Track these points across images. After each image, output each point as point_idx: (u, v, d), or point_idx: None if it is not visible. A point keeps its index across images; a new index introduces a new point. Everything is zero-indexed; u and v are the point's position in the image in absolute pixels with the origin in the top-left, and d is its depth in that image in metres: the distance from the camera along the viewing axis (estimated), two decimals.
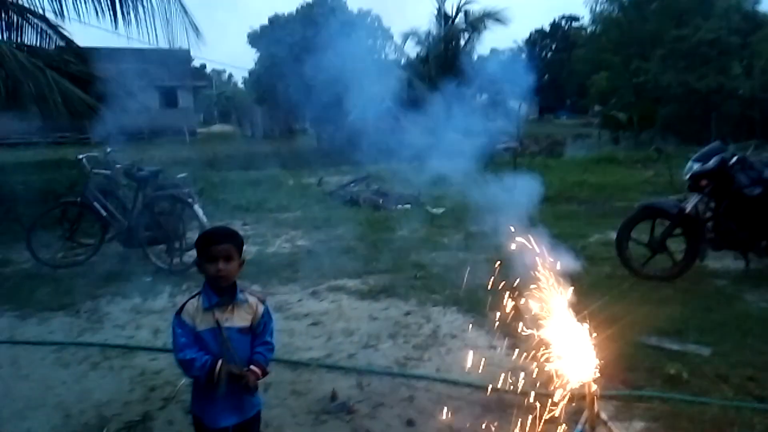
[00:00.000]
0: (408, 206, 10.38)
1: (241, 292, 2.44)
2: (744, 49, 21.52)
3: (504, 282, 3.55)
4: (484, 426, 3.24)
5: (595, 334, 3.09)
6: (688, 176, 5.92)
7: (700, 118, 21.10)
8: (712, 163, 5.70)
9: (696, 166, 5.81)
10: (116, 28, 8.67)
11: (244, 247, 2.51)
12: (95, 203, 6.82)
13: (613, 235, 6.27)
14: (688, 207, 5.74)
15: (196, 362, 2.31)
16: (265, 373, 2.44)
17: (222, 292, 2.38)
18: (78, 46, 10.62)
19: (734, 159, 5.72)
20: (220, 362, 2.31)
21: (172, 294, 5.69)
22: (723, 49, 21.34)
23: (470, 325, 4.77)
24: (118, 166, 7.16)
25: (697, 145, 6.40)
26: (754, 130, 19.36)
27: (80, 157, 7.05)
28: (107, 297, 5.63)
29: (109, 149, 7.32)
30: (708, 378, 3.69)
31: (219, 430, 2.41)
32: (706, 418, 3.21)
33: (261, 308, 2.48)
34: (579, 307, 3.16)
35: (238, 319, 2.41)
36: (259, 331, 2.47)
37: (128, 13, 8.47)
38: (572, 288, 3.22)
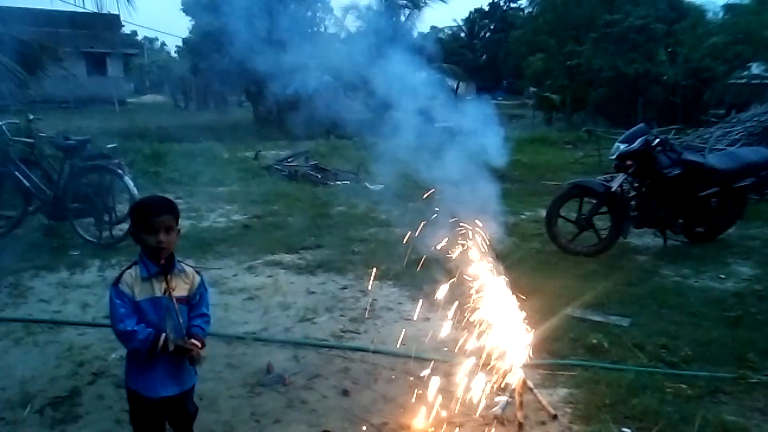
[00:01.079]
0: (347, 182, 10.39)
1: (178, 262, 2.41)
2: (669, 36, 22.47)
3: (438, 257, 3.64)
4: (416, 395, 3.35)
5: (523, 307, 3.22)
6: (614, 156, 6.19)
7: (628, 101, 21.96)
8: (636, 144, 5.98)
9: (622, 147, 6.08)
10: None
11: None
12: (16, 173, 6.47)
13: (543, 213, 6.51)
14: (614, 186, 6.02)
15: (138, 334, 2.27)
16: (203, 345, 2.43)
17: (161, 262, 2.35)
18: None
19: (657, 141, 6.02)
20: (164, 335, 2.28)
21: (101, 268, 5.52)
22: (650, 35, 22.19)
23: (406, 299, 4.88)
24: (42, 134, 6.81)
25: (625, 128, 6.68)
26: (677, 115, 20.36)
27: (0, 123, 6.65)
28: (31, 271, 5.40)
29: (31, 116, 6.93)
30: (626, 347, 3.93)
31: (158, 400, 2.39)
32: (622, 383, 3.42)
33: (197, 279, 2.46)
34: (509, 280, 3.28)
35: (177, 289, 2.38)
36: (195, 301, 2.45)
37: None
38: (503, 262, 3.34)
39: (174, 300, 2.35)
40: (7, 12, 10.80)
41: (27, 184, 6.50)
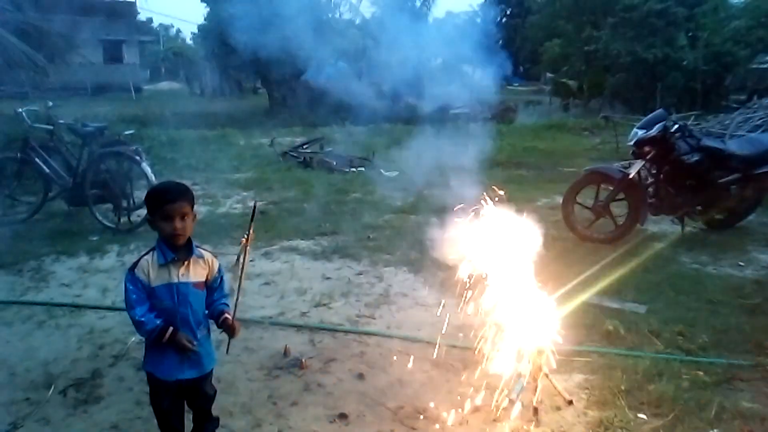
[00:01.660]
0: (362, 169, 10.38)
1: (196, 248, 2.45)
2: (689, 21, 22.06)
3: (455, 243, 3.64)
4: (431, 379, 3.37)
5: (540, 293, 3.22)
6: (632, 143, 6.12)
7: (646, 87, 21.65)
8: (654, 130, 5.90)
9: (640, 133, 6.01)
10: None
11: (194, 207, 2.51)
12: (36, 159, 6.57)
13: (560, 200, 6.47)
14: (632, 173, 5.96)
15: (146, 325, 2.32)
16: (232, 320, 2.50)
17: (178, 248, 2.38)
18: None
19: (675, 127, 5.95)
20: (170, 330, 2.32)
21: (120, 253, 5.59)
22: (670, 20, 21.79)
23: (421, 285, 4.89)
24: (61, 121, 6.89)
25: (643, 114, 6.61)
26: (697, 101, 20.05)
27: (19, 110, 6.73)
28: (52, 256, 5.49)
29: (50, 103, 7.01)
30: (642, 333, 3.91)
31: (175, 383, 2.43)
32: (638, 369, 3.41)
33: (216, 264, 2.50)
34: (525, 267, 3.27)
35: (194, 274, 2.42)
36: (216, 285, 2.50)
37: None
38: (521, 248, 3.33)
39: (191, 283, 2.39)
40: (27, 0, 10.89)
41: (47, 170, 6.60)
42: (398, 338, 3.90)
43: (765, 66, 22.00)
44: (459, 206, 3.44)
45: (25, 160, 6.60)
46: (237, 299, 2.54)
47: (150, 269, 2.35)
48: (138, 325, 2.35)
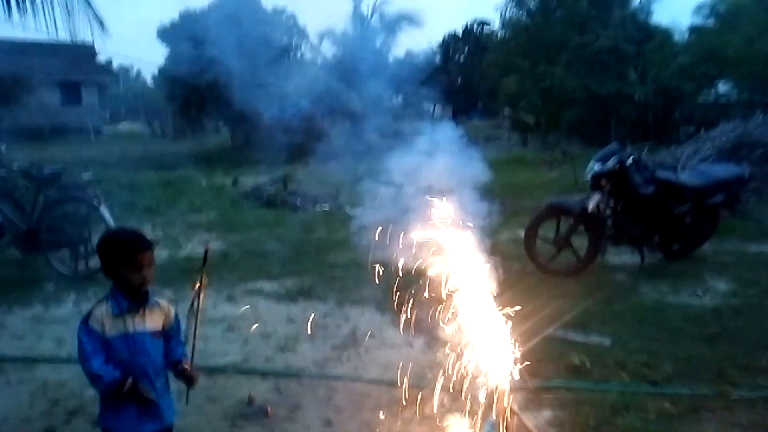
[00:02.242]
0: (326, 207, 10.36)
1: (151, 296, 2.38)
2: (638, 57, 23.00)
3: (419, 281, 3.63)
4: (401, 422, 3.31)
5: (506, 328, 3.22)
6: (589, 176, 6.28)
7: (601, 121, 22.36)
8: (610, 163, 6.07)
9: (597, 167, 6.17)
10: (9, 16, 8.11)
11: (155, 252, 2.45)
12: None
13: (522, 233, 6.55)
14: (590, 205, 6.09)
15: (104, 378, 2.23)
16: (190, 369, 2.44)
17: (134, 297, 2.31)
18: None
19: (630, 159, 6.13)
20: (129, 381, 2.24)
21: (77, 302, 5.41)
22: (620, 56, 22.69)
23: (388, 325, 4.85)
24: (15, 165, 6.71)
25: (599, 147, 6.79)
26: (649, 134, 20.76)
27: None
28: (4, 306, 5.27)
29: (3, 146, 6.83)
30: (608, 366, 3.95)
31: None
32: (606, 403, 3.43)
33: (172, 311, 2.44)
34: (491, 302, 3.28)
35: (150, 323, 2.35)
36: (173, 334, 2.43)
37: (23, 1, 7.92)
38: (484, 283, 3.34)
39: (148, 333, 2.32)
40: None
41: (0, 215, 6.38)
42: (366, 381, 3.84)
43: (710, 101, 23.04)
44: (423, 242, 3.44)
45: None
46: (193, 346, 2.47)
47: (104, 319, 2.27)
48: (94, 379, 2.25)
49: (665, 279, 5.90)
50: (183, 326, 2.52)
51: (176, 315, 2.46)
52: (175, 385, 2.54)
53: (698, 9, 22.56)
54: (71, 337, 4.47)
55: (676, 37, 24.43)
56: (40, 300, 5.42)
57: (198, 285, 2.47)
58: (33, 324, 4.91)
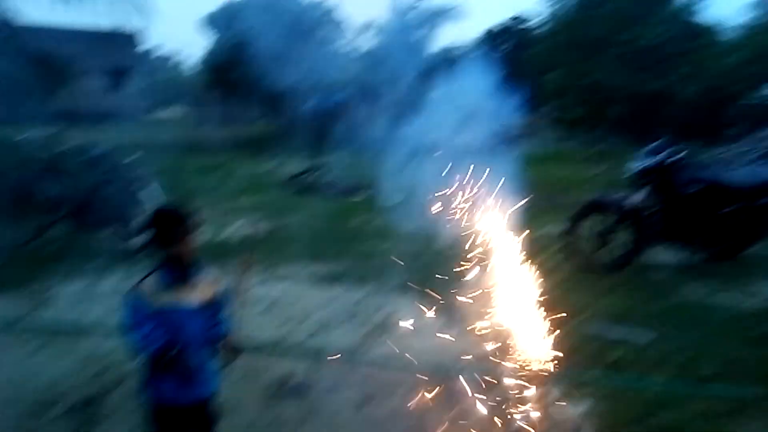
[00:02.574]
0: (363, 195, 10.42)
1: (200, 270, 2.45)
2: (688, 53, 22.37)
3: (456, 270, 3.63)
4: (434, 408, 3.33)
5: (545, 321, 3.21)
6: (634, 172, 6.16)
7: (647, 118, 21.85)
8: (656, 160, 5.95)
9: (642, 163, 6.05)
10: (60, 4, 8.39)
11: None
12: (43, 183, 6.59)
13: (562, 229, 6.48)
14: (633, 202, 5.98)
15: (147, 347, 2.30)
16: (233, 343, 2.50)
17: (183, 270, 2.38)
18: (22, 23, 10.20)
19: (676, 157, 5.99)
20: (170, 352, 2.30)
21: (124, 276, 5.56)
22: (669, 52, 22.11)
23: (423, 312, 4.85)
24: (67, 145, 6.95)
25: (643, 145, 6.66)
26: (696, 132, 20.20)
27: (27, 135, 6.79)
28: (55, 279, 5.48)
29: (57, 129, 7.08)
30: (648, 363, 3.89)
31: (177, 407, 2.40)
32: (644, 399, 3.39)
33: (219, 286, 2.51)
34: (530, 295, 3.26)
35: (197, 296, 2.41)
36: (219, 307, 2.49)
37: None
38: (523, 277, 3.33)
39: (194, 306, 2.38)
40: (35, 30, 11.08)
41: (53, 193, 6.62)
42: (400, 366, 3.86)
43: (761, 100, 22.23)
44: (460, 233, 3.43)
45: (32, 183, 6.63)
46: (237, 321, 2.53)
47: (153, 291, 2.34)
48: (138, 347, 2.32)
49: (710, 278, 5.76)
50: (227, 303, 2.59)
51: (222, 291, 2.53)
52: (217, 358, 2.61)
53: (751, 6, 21.80)
54: (117, 310, 4.64)
55: (727, 35, 23.69)
56: (90, 274, 5.61)
57: (245, 264, 2.53)
58: (82, 296, 5.09)
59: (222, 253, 6.46)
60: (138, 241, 6.43)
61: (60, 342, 4.12)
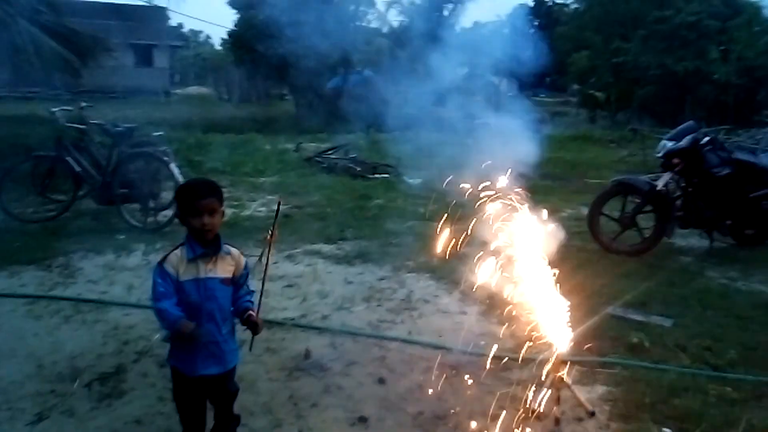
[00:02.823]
0: (385, 175, 10.41)
1: (224, 245, 2.48)
2: (722, 34, 21.73)
3: (478, 251, 3.62)
4: (452, 386, 3.35)
5: (563, 303, 3.19)
6: (661, 154, 6.04)
7: (675, 100, 21.38)
8: (684, 142, 5.82)
9: (669, 145, 5.93)
10: None
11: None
12: (68, 158, 6.70)
13: (585, 211, 6.41)
14: (659, 184, 5.88)
15: (170, 317, 2.35)
16: (256, 316, 2.53)
17: (206, 244, 2.41)
18: None
19: (706, 139, 5.85)
20: (190, 324, 2.34)
21: (146, 252, 5.66)
22: (702, 32, 21.50)
23: (443, 291, 4.87)
24: (93, 121, 7.03)
25: (671, 127, 6.51)
26: (728, 115, 19.71)
27: (54, 110, 6.88)
28: (80, 253, 5.59)
29: (83, 104, 7.16)
30: (668, 347, 3.85)
31: (198, 378, 2.45)
32: (664, 383, 3.35)
33: (243, 260, 2.53)
34: (550, 277, 3.24)
35: (221, 270, 2.45)
36: (242, 282, 2.52)
37: None
38: (544, 259, 3.30)
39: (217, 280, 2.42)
40: (62, 3, 11.15)
41: (78, 169, 6.72)
42: (419, 344, 3.89)
43: None
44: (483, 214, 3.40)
45: (58, 158, 6.74)
46: (261, 296, 2.56)
47: (179, 263, 2.38)
48: (162, 317, 2.37)
49: (734, 264, 5.66)
50: (251, 278, 2.62)
51: (246, 265, 2.56)
52: (239, 333, 2.65)
53: None
54: (140, 285, 4.74)
55: (764, 14, 22.91)
56: (113, 249, 5.71)
57: (269, 237, 2.55)
58: (106, 270, 5.18)
59: (245, 229, 6.56)
60: (163, 216, 6.53)
61: (84, 316, 4.21)
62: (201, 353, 2.43)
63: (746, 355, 3.73)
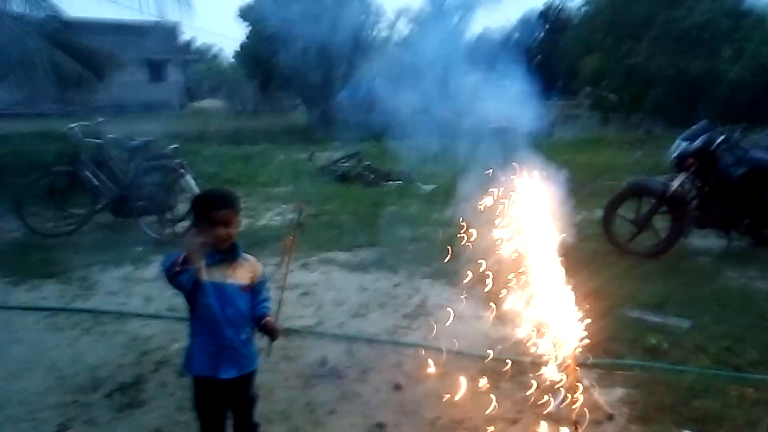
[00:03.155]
0: (399, 182, 10.43)
1: (242, 252, 2.51)
2: (735, 32, 21.54)
3: (493, 256, 3.62)
4: (469, 391, 3.35)
5: (580, 306, 3.18)
6: (675, 155, 6.00)
7: (689, 101, 21.17)
8: (698, 142, 5.78)
9: (683, 145, 5.89)
10: None
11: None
12: (87, 172, 6.81)
13: (600, 214, 6.37)
14: (674, 185, 5.83)
15: (169, 260, 2.32)
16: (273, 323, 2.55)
17: (224, 251, 2.45)
18: (66, 16, 10.46)
19: (720, 139, 5.81)
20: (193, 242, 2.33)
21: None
22: (714, 32, 21.32)
23: (458, 297, 4.86)
24: (109, 136, 7.15)
25: (685, 128, 6.47)
26: (742, 114, 19.49)
27: (72, 125, 7.00)
28: (98, 265, 5.67)
29: (100, 119, 7.28)
30: (687, 348, 3.81)
31: (217, 382, 2.48)
32: (683, 385, 3.33)
33: (260, 268, 2.57)
34: (565, 280, 3.23)
35: (240, 276, 2.49)
36: (260, 289, 2.56)
37: None
38: (559, 262, 3.29)
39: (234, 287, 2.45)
40: (78, 22, 11.36)
41: (95, 182, 6.83)
42: (435, 349, 3.89)
43: None
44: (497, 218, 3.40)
45: (76, 173, 6.86)
46: (280, 302, 2.59)
47: (200, 266, 2.40)
48: (167, 266, 2.33)
49: (753, 264, 5.60)
50: (268, 286, 2.65)
51: (263, 272, 2.59)
52: (258, 340, 2.67)
53: None
54: (158, 296, 4.80)
55: None
56: (131, 261, 5.79)
57: (290, 242, 2.59)
58: (124, 282, 5.26)
59: (261, 238, 6.60)
60: (180, 227, 6.61)
61: (103, 327, 4.27)
62: (217, 357, 2.45)
63: (764, 356, 3.69)
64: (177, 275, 2.33)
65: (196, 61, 49.39)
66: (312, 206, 8.54)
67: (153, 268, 5.62)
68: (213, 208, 2.43)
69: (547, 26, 41.36)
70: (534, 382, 3.29)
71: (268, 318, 2.53)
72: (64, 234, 6.77)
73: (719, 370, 3.51)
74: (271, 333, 2.52)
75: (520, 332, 3.33)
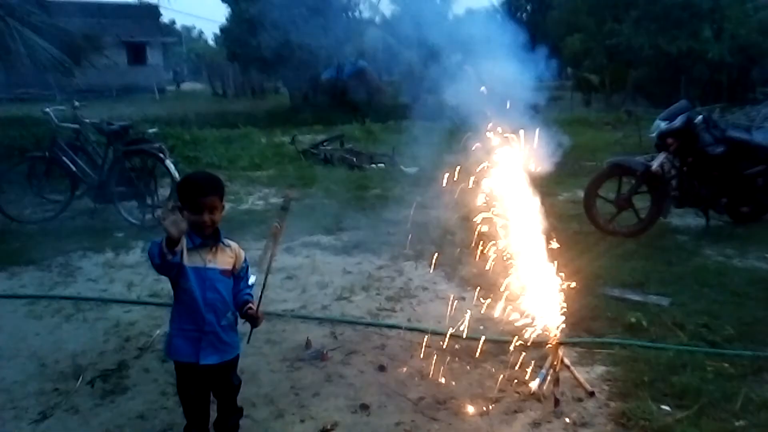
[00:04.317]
0: (382, 165, 10.41)
1: (223, 238, 2.50)
2: (714, 12, 21.63)
3: (474, 237, 3.64)
4: (452, 371, 3.38)
5: (561, 286, 3.21)
6: (655, 134, 6.05)
7: (670, 81, 21.29)
8: (678, 121, 5.83)
9: (663, 125, 5.94)
10: None
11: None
12: (64, 158, 6.70)
13: (581, 194, 6.42)
14: (654, 165, 5.89)
15: (156, 245, 2.30)
16: (256, 309, 2.54)
17: (206, 237, 2.43)
18: None
19: (699, 118, 5.86)
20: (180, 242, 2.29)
21: (145, 249, 5.64)
22: (694, 12, 21.40)
23: (441, 278, 4.90)
24: (87, 120, 7.02)
25: (666, 108, 6.51)
26: (722, 94, 19.68)
27: (46, 110, 6.86)
28: (79, 252, 5.60)
29: (77, 104, 7.15)
30: (666, 326, 3.87)
31: (199, 368, 2.47)
32: (662, 361, 3.38)
33: (242, 254, 2.55)
34: (547, 260, 3.26)
35: (222, 261, 2.47)
36: (242, 275, 2.54)
37: None
38: (540, 242, 3.31)
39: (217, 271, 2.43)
40: (54, 4, 11.09)
41: (74, 168, 6.73)
42: (419, 331, 3.91)
43: None
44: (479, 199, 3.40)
45: (53, 159, 6.74)
46: (263, 289, 2.58)
47: (182, 250, 2.38)
48: (156, 256, 2.31)
49: (731, 242, 5.69)
50: (251, 272, 2.64)
51: (245, 258, 2.58)
52: (240, 326, 2.66)
53: None
54: (140, 281, 4.77)
55: None
56: (112, 247, 5.73)
57: (277, 228, 2.57)
58: (105, 268, 5.21)
59: (243, 223, 6.57)
60: (157, 214, 6.54)
61: (84, 314, 4.23)
62: (199, 343, 2.44)
63: (743, 331, 3.76)
64: (168, 261, 2.30)
65: (176, 43, 48.67)
66: (295, 190, 8.51)
67: (134, 254, 5.59)
68: (199, 194, 2.40)
69: (528, 7, 41.24)
70: (516, 361, 3.33)
71: (250, 305, 2.51)
72: (43, 221, 6.68)
73: (697, 347, 3.57)
74: (252, 320, 2.51)
75: (502, 312, 3.35)
